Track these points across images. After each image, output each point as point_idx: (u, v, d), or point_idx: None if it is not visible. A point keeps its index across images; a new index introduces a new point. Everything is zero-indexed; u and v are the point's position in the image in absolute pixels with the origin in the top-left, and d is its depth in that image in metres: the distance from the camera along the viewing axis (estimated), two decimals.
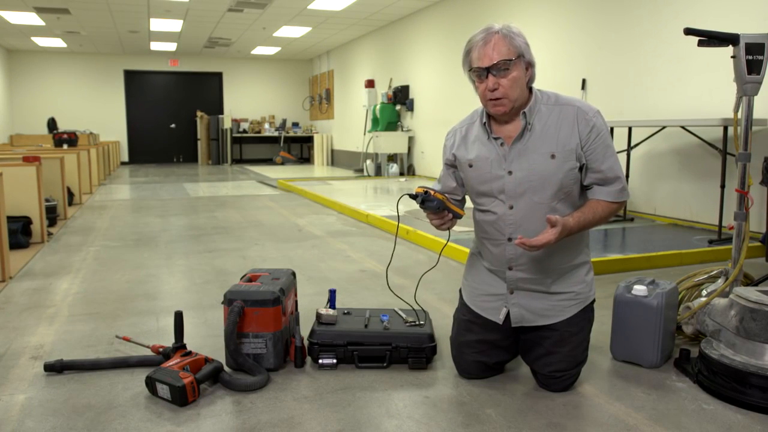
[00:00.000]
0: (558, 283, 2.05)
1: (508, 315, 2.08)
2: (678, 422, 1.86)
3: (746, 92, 2.45)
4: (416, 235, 4.79)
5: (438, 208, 1.99)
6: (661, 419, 1.88)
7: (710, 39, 2.50)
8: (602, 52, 6.17)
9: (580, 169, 1.97)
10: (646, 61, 5.64)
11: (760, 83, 2.44)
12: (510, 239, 2.01)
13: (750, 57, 2.41)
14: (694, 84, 5.17)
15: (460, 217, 2.07)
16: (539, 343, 2.06)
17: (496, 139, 2.00)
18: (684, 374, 2.20)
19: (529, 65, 1.95)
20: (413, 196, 1.99)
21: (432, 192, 1.97)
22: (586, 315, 2.09)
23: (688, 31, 2.51)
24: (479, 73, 1.92)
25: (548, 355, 2.04)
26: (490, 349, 2.12)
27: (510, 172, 1.97)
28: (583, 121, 1.94)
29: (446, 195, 2.06)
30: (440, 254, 2.23)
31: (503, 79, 1.89)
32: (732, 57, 2.45)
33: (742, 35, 2.42)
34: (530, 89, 2.00)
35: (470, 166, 2.05)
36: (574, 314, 2.06)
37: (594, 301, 2.12)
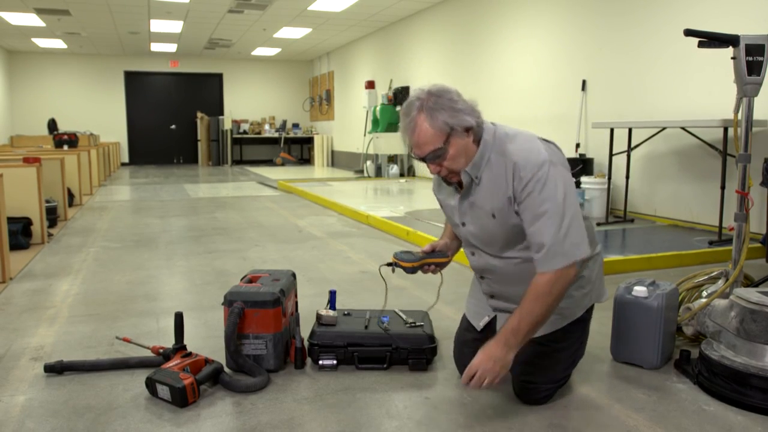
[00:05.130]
0: None
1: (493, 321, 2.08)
2: (678, 424, 1.86)
3: (746, 93, 2.45)
4: (416, 237, 4.79)
5: (413, 271, 2.09)
6: (661, 420, 1.88)
7: (710, 40, 2.51)
8: (602, 53, 6.17)
9: None
10: (647, 62, 5.64)
11: (761, 84, 2.44)
12: (473, 254, 2.04)
13: (750, 58, 2.42)
14: (694, 85, 5.17)
15: (445, 264, 2.13)
16: (522, 350, 1.92)
17: (458, 183, 1.93)
18: (684, 375, 2.20)
19: (468, 129, 1.80)
20: (389, 264, 2.12)
21: (401, 263, 2.07)
22: (576, 333, 2.01)
23: (688, 33, 2.51)
24: (418, 159, 1.85)
25: (525, 363, 1.94)
26: None
27: (464, 224, 1.97)
28: (518, 178, 1.77)
29: (432, 248, 2.12)
30: (438, 292, 2.37)
31: (443, 161, 1.81)
32: (732, 58, 2.45)
33: (742, 36, 2.43)
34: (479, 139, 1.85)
35: (441, 206, 2.09)
36: (559, 328, 1.97)
37: (587, 319, 2.04)
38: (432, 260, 2.09)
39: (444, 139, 1.77)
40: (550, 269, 1.74)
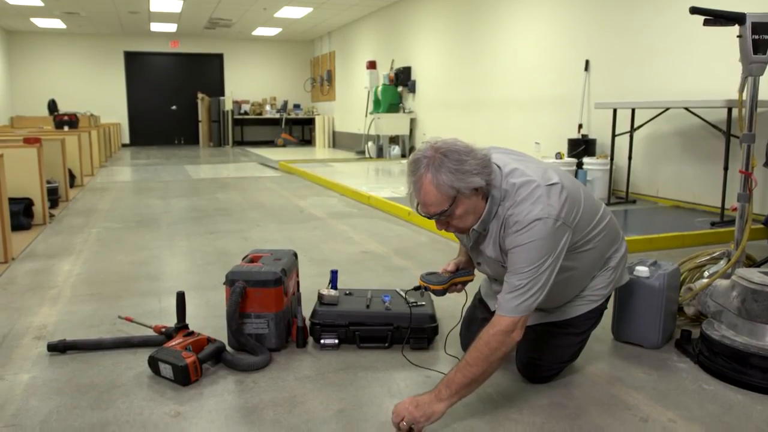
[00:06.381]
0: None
1: None
2: (678, 402, 1.87)
3: (752, 72, 2.42)
4: (417, 218, 4.79)
5: (443, 293, 2.07)
6: (661, 399, 1.89)
7: (716, 18, 2.47)
8: (606, 33, 6.11)
9: None
10: (650, 42, 5.58)
11: (767, 63, 2.41)
12: (495, 280, 2.04)
13: (756, 36, 2.38)
14: (698, 65, 5.12)
15: (470, 280, 2.11)
16: (533, 328, 1.98)
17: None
18: (685, 355, 2.20)
19: (476, 189, 1.72)
20: (417, 288, 2.10)
21: (431, 286, 2.05)
22: (593, 320, 2.03)
23: (694, 10, 2.48)
24: (425, 217, 1.80)
25: (535, 340, 1.97)
26: None
27: (479, 263, 2.00)
28: (507, 234, 1.75)
29: (455, 267, 2.09)
30: (462, 311, 2.28)
31: (451, 220, 1.78)
32: (738, 36, 2.42)
33: (748, 14, 2.39)
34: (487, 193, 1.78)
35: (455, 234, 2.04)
36: (578, 315, 2.00)
37: (605, 308, 2.06)
38: (459, 279, 2.09)
39: (450, 202, 1.71)
40: (508, 312, 1.70)
